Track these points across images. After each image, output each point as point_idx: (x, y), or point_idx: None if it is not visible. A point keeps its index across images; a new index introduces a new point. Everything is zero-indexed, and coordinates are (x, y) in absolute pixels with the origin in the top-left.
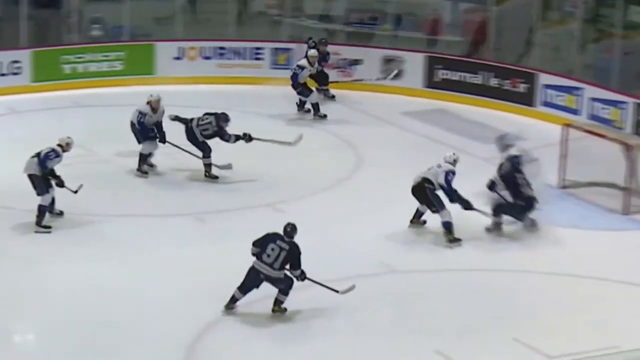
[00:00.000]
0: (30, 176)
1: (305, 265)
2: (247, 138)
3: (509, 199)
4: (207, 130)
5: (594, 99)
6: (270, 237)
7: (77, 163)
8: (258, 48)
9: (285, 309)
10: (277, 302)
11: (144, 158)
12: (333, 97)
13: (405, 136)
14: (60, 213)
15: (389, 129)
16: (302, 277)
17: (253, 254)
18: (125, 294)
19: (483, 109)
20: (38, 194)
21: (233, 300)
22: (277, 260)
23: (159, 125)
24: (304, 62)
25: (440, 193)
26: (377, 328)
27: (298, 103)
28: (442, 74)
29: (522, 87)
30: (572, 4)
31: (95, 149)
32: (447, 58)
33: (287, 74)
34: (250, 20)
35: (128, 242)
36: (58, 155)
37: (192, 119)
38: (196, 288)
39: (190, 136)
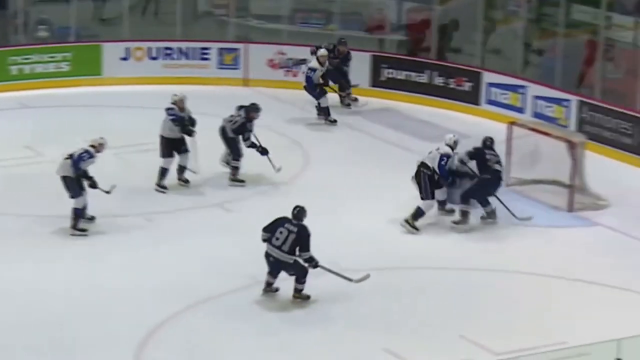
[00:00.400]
0: (64, 178)
1: (257, 264)
2: (261, 151)
3: (476, 170)
4: (235, 123)
5: (538, 97)
6: (279, 222)
7: (25, 164)
8: (205, 48)
9: (308, 296)
10: (296, 290)
11: (181, 170)
12: (356, 99)
13: (352, 135)
14: (92, 218)
15: (336, 128)
16: (314, 264)
17: (263, 240)
18: (74, 294)
19: (429, 108)
20: (71, 197)
21: (267, 284)
22: (286, 243)
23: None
24: (314, 63)
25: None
26: (326, 326)
27: (317, 106)
28: (387, 73)
29: (466, 86)
30: (516, 3)
31: (43, 150)
32: (392, 57)
33: (234, 74)
34: (196, 21)
35: (78, 243)
36: (91, 156)
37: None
38: (146, 287)
39: (222, 133)
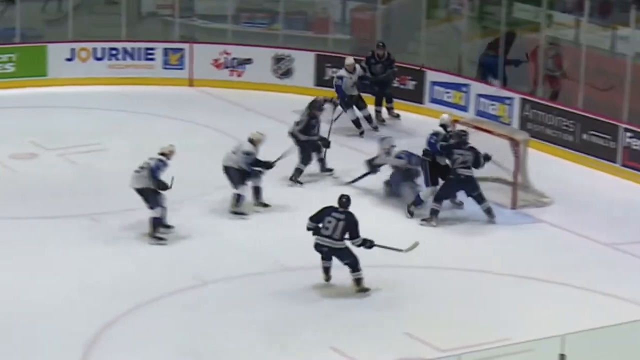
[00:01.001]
0: (140, 190)
1: (199, 265)
2: (326, 143)
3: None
4: (300, 124)
5: (481, 95)
6: (325, 211)
7: None
8: (150, 49)
9: (368, 289)
10: (356, 282)
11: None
12: (398, 116)
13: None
14: (170, 227)
15: (281, 127)
16: (369, 244)
17: (308, 229)
18: (20, 295)
19: (373, 106)
20: (150, 208)
21: (325, 270)
22: (336, 230)
23: None
24: (342, 71)
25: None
26: (271, 325)
27: (353, 120)
28: (332, 72)
29: (410, 85)
30: (458, 2)
31: None
32: (336, 56)
33: (180, 74)
34: (141, 21)
35: (23, 244)
36: (165, 165)
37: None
38: (93, 288)
39: (293, 137)
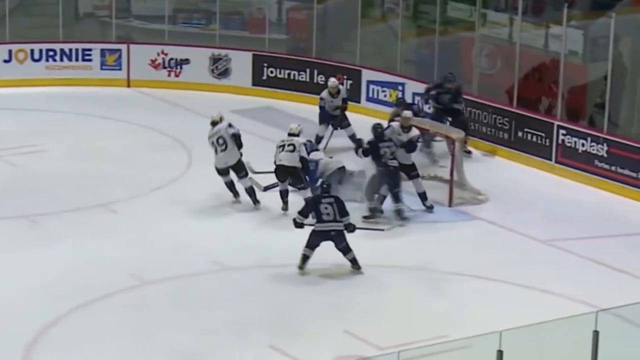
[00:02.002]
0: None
1: (138, 264)
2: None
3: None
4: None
5: (417, 94)
6: (315, 201)
7: None
8: (87, 49)
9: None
10: (353, 262)
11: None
12: (470, 152)
13: None
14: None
15: None
16: (353, 227)
17: (300, 224)
18: None
19: (310, 106)
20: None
21: (306, 257)
22: (335, 213)
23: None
24: (324, 93)
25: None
26: (209, 325)
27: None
28: (269, 72)
29: (347, 84)
30: (393, 1)
31: None
32: (273, 56)
33: (117, 75)
34: (78, 22)
35: None
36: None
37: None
38: (32, 289)
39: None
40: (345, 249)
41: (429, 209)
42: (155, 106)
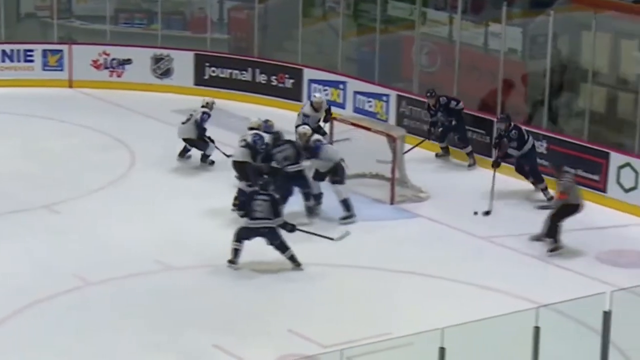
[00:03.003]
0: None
1: (80, 265)
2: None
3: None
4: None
5: (358, 93)
6: (251, 197)
7: None
8: (28, 50)
9: (301, 264)
10: (291, 259)
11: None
12: (472, 164)
13: (176, 133)
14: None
15: (161, 127)
16: (289, 227)
17: (243, 216)
18: None
19: (252, 105)
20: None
21: (237, 252)
22: (268, 210)
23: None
24: (307, 108)
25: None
26: (154, 325)
27: None
28: (211, 72)
29: (288, 83)
30: (334, 0)
31: None
32: (215, 56)
33: (59, 75)
34: (20, 22)
35: None
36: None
37: None
38: None
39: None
40: (281, 247)
41: (345, 219)
42: (98, 106)
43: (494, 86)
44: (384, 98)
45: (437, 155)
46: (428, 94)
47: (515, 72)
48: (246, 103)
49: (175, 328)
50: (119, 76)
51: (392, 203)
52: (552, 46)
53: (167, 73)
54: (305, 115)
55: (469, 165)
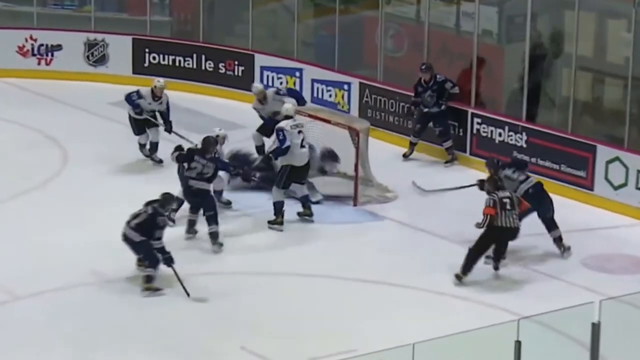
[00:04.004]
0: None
1: (11, 276)
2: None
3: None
4: None
5: (316, 81)
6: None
7: None
8: None
9: (159, 289)
10: (212, 236)
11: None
12: (453, 159)
13: (113, 128)
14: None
15: (96, 122)
16: (167, 261)
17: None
18: None
19: (198, 95)
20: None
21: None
22: (135, 219)
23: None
24: (254, 103)
25: None
26: (89, 340)
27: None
28: (151, 58)
29: (238, 70)
30: None
31: None
32: (156, 40)
33: None
34: None
35: None
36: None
37: None
38: None
39: None
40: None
41: (303, 215)
42: (24, 98)
43: (467, 72)
44: (345, 87)
45: (405, 155)
46: (423, 67)
47: (490, 57)
48: (191, 93)
49: (111, 346)
50: (47, 64)
51: (355, 204)
52: (531, 27)
53: (101, 60)
54: (256, 110)
55: (447, 162)
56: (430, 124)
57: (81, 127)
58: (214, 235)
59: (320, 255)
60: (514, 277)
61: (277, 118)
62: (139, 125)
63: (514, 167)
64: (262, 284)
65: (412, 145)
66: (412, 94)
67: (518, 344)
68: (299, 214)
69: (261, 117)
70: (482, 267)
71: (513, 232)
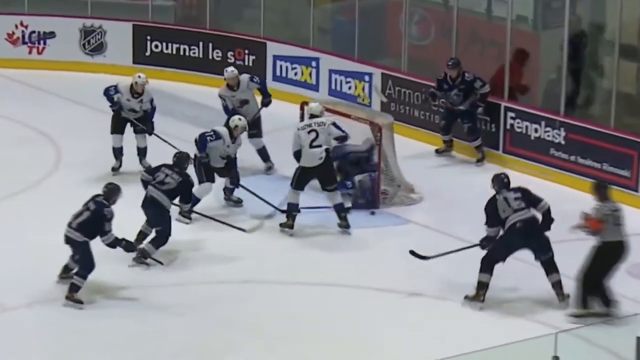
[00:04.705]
0: None
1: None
2: None
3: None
4: None
5: (334, 71)
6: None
7: None
8: None
9: (81, 302)
10: (70, 287)
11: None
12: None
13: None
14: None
15: (93, 117)
16: (127, 248)
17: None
18: None
19: (204, 87)
20: None
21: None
22: (78, 217)
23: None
24: (222, 89)
25: None
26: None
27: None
28: (153, 47)
29: (248, 60)
30: None
31: None
32: (158, 27)
33: None
34: None
35: None
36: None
37: None
38: None
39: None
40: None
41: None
42: (14, 91)
43: (499, 62)
44: (366, 78)
45: (438, 151)
46: (450, 63)
47: (525, 45)
48: (197, 85)
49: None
50: (39, 53)
51: (377, 207)
52: (570, 12)
53: (99, 49)
54: (221, 97)
55: (478, 161)
56: (458, 120)
57: (76, 122)
58: (144, 253)
59: (337, 263)
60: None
61: (241, 109)
62: (117, 124)
63: (520, 192)
64: (273, 292)
65: (446, 143)
66: (434, 85)
67: (556, 359)
68: (338, 224)
69: (224, 107)
70: (517, 275)
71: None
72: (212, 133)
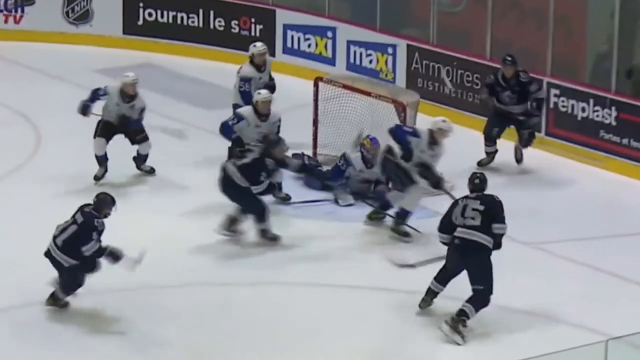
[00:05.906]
0: None
1: None
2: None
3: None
4: None
5: (353, 43)
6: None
7: None
8: None
9: (66, 303)
10: (53, 296)
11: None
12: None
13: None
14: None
15: (78, 94)
16: (114, 257)
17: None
18: None
19: (205, 62)
20: None
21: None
22: (62, 234)
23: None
24: (245, 67)
25: None
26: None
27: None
28: (146, 15)
29: (255, 29)
30: None
31: None
32: None
33: None
34: None
35: None
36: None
37: None
38: None
39: None
40: (63, 284)
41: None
42: None
43: (541, 33)
44: (389, 50)
45: (480, 164)
46: (508, 61)
47: (570, 12)
48: (197, 58)
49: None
50: (16, 22)
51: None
52: None
53: (84, 17)
54: (244, 80)
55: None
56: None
57: (59, 101)
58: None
59: (351, 262)
60: (601, 288)
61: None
62: (106, 127)
63: (484, 206)
64: (279, 295)
65: (489, 154)
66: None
67: None
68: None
69: (244, 92)
70: (560, 273)
71: None
72: (232, 117)
